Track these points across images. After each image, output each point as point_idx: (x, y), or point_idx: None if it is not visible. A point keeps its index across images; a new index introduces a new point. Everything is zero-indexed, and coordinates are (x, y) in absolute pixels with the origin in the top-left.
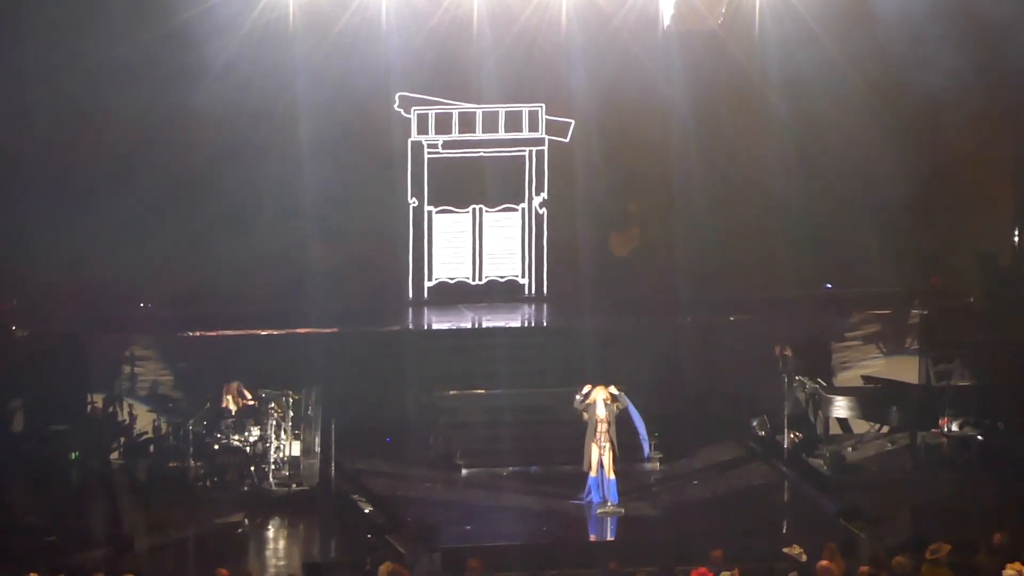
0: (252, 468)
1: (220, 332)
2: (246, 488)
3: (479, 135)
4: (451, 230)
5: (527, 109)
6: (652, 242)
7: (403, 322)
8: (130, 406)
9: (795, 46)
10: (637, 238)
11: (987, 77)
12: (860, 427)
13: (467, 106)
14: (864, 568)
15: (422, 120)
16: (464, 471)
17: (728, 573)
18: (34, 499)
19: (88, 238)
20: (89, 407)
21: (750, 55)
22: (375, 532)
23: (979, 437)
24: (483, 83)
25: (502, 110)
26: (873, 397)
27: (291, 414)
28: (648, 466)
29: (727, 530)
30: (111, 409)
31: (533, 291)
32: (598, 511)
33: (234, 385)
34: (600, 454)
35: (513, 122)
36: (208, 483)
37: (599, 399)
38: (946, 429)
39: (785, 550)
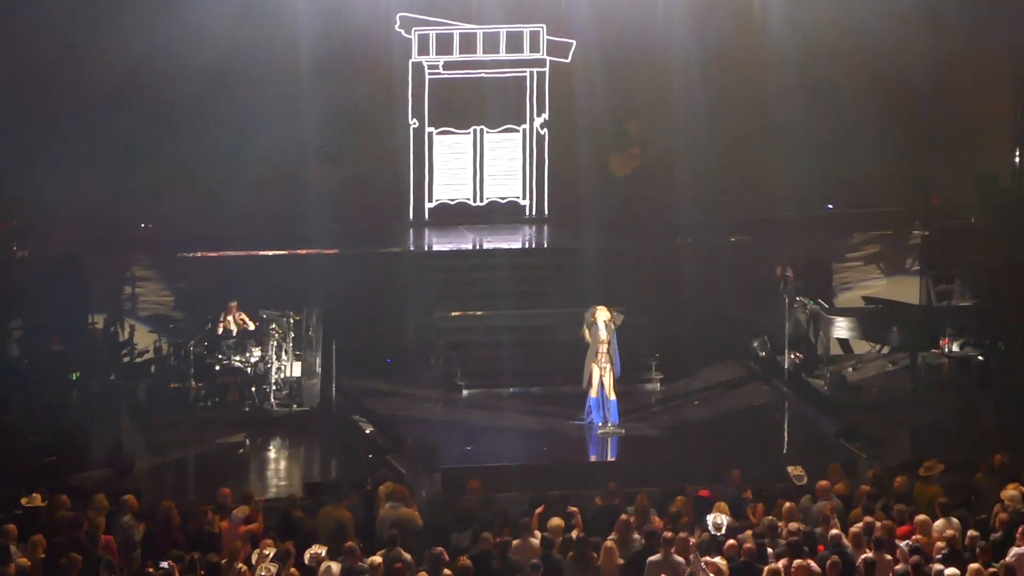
0: (253, 389)
1: (221, 253)
2: (247, 409)
3: (480, 56)
4: (452, 151)
5: (528, 30)
6: (652, 163)
7: (404, 243)
8: (131, 327)
9: None
10: (637, 159)
11: None
12: (861, 347)
13: (468, 27)
14: (865, 488)
15: (423, 41)
16: (464, 392)
17: (724, 502)
18: (34, 419)
19: (89, 160)
20: (90, 328)
21: None
22: (376, 452)
23: (979, 357)
24: (484, 3)
25: (503, 31)
26: (874, 318)
27: (292, 335)
28: (649, 386)
29: (728, 450)
30: (112, 329)
31: (534, 212)
32: (599, 432)
33: (234, 305)
34: (601, 374)
35: (514, 43)
36: (209, 404)
37: (600, 320)
38: (946, 349)
39: (789, 469)
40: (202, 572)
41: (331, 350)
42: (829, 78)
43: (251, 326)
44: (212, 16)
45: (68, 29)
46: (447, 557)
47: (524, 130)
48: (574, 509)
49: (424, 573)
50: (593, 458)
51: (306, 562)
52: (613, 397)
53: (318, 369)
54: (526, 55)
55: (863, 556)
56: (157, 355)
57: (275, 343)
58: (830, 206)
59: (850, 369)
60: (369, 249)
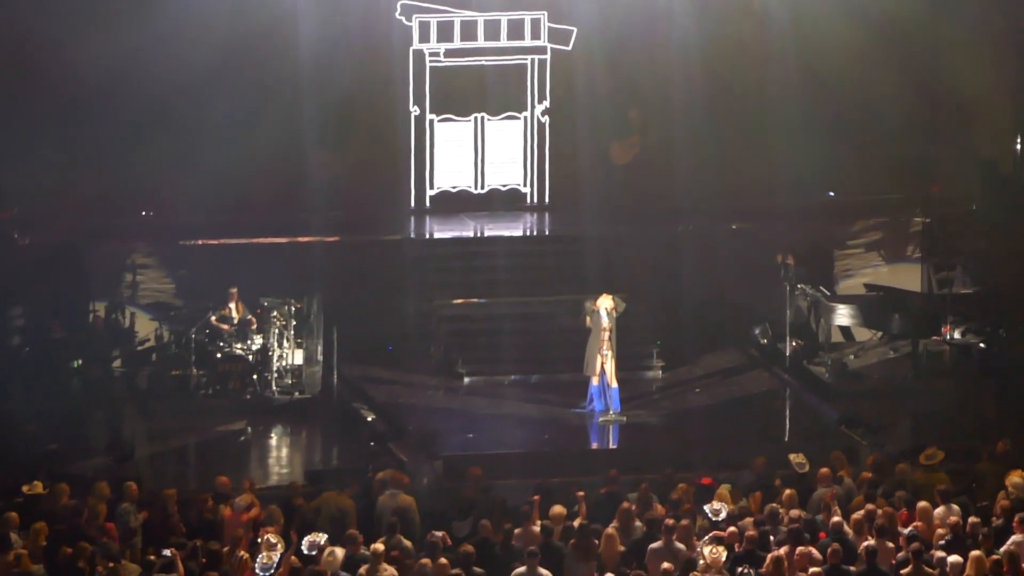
0: (254, 376)
1: (222, 240)
2: (248, 396)
3: (481, 43)
4: (453, 139)
5: (529, 17)
6: (653, 151)
7: (405, 231)
8: (132, 314)
9: None
10: (638, 146)
11: None
12: (862, 335)
13: (469, 14)
14: (866, 475)
15: (424, 28)
16: (466, 379)
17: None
18: (35, 407)
19: (90, 147)
20: (91, 315)
21: None
22: (377, 440)
23: (981, 344)
24: None
25: (504, 18)
26: (875, 305)
27: (293, 322)
28: (650, 374)
29: (729, 437)
30: (113, 317)
31: (535, 200)
32: (600, 419)
33: (234, 292)
34: (603, 362)
35: (515, 30)
36: (210, 391)
37: (603, 307)
38: (948, 337)
39: (791, 456)
40: (203, 560)
41: (332, 338)
42: (829, 65)
43: (250, 316)
44: (213, 4)
45: (69, 16)
46: (449, 541)
47: (525, 117)
48: (581, 493)
49: (425, 560)
50: (594, 445)
51: (305, 550)
52: (615, 384)
53: (319, 357)
54: (527, 42)
55: (864, 543)
56: (158, 342)
57: (276, 331)
58: (831, 193)
59: (851, 356)
60: (370, 236)
